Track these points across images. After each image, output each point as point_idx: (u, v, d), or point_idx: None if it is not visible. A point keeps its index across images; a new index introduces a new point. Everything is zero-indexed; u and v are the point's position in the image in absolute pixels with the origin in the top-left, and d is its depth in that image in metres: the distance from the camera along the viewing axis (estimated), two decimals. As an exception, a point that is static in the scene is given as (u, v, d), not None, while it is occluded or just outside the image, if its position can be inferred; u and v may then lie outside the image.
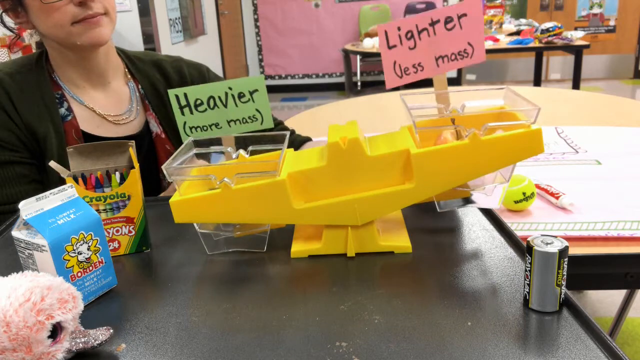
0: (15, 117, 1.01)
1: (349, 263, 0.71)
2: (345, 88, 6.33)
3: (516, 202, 0.95)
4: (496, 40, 4.17)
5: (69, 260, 0.62)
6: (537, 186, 1.02)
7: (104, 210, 0.75)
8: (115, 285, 0.69)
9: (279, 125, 1.28)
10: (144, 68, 1.17)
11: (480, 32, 0.79)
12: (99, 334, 0.54)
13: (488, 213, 0.82)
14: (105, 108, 1.11)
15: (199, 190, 0.73)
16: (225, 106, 0.78)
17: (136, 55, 1.19)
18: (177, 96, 0.78)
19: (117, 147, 0.76)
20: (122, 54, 1.17)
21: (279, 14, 6.52)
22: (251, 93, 0.78)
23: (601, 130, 1.47)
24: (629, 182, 1.07)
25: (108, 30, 1.02)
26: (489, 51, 4.08)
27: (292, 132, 1.24)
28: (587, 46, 3.92)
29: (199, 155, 0.78)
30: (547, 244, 0.56)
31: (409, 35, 0.78)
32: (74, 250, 0.63)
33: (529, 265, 0.56)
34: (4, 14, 1.03)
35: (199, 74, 1.22)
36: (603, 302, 2.15)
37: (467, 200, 0.79)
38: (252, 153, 0.78)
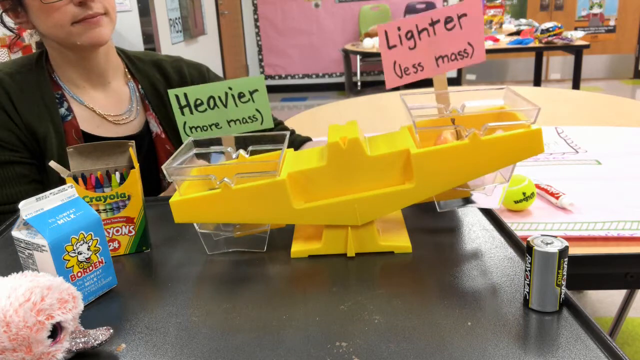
0: (15, 117, 1.01)
1: (349, 263, 0.71)
2: (345, 88, 6.33)
3: (516, 202, 0.95)
4: (496, 40, 4.17)
5: (69, 260, 0.62)
6: (537, 186, 1.02)
7: (104, 210, 0.75)
8: (115, 285, 0.69)
9: (278, 125, 1.28)
10: (144, 68, 1.17)
11: (480, 32, 0.79)
12: (99, 334, 0.54)
13: (488, 213, 0.82)
14: (105, 108, 1.11)
15: (199, 190, 0.73)
16: (225, 106, 0.78)
17: (136, 55, 1.19)
18: (177, 96, 0.78)
19: (117, 147, 0.76)
20: (122, 54, 1.17)
21: (279, 14, 6.52)
22: (251, 93, 0.78)
23: (601, 130, 1.47)
24: (629, 182, 1.07)
25: (108, 30, 1.02)
26: (489, 51, 4.08)
27: (292, 132, 1.24)
28: (587, 46, 3.92)
29: (199, 155, 0.78)
30: (547, 244, 0.56)
31: (409, 35, 0.78)
32: (74, 250, 0.63)
33: (529, 265, 0.56)
34: (4, 14, 1.03)
35: (199, 74, 1.22)
36: (603, 302, 2.15)
37: (467, 200, 0.79)
38: (252, 153, 0.78)
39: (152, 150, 1.15)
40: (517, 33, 4.40)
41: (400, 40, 0.79)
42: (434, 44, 0.79)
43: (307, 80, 6.77)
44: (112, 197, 0.75)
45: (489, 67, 6.45)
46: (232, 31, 6.25)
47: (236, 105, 0.78)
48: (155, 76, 1.17)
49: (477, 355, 0.51)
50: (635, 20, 6.11)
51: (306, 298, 0.63)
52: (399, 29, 0.79)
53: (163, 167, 0.69)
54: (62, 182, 0.73)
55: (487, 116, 0.77)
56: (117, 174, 0.76)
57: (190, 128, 0.79)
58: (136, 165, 0.76)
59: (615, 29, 6.09)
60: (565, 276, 0.56)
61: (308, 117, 1.95)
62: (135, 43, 4.08)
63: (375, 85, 6.44)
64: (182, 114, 0.78)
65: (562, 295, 0.57)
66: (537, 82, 4.64)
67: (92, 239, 0.65)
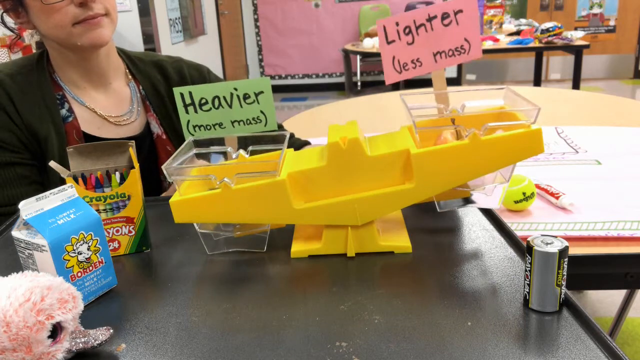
0: (16, 118, 1.01)
1: (349, 263, 0.71)
2: (345, 88, 6.32)
3: (516, 202, 0.95)
4: (496, 40, 4.17)
5: (69, 260, 0.62)
6: (537, 186, 1.02)
7: (104, 210, 0.75)
8: (115, 285, 0.69)
9: (279, 128, 1.28)
10: (145, 69, 1.17)
11: (476, 28, 0.80)
12: (99, 334, 0.54)
13: (488, 213, 0.82)
14: (106, 109, 1.11)
15: (199, 190, 0.73)
16: (230, 106, 0.78)
17: (137, 56, 1.18)
18: (182, 94, 0.78)
19: (117, 147, 0.76)
20: (123, 54, 1.17)
21: (279, 14, 6.52)
22: (256, 94, 0.78)
23: (601, 130, 1.47)
24: (629, 182, 1.07)
25: (109, 31, 1.02)
26: (489, 51, 4.08)
27: (292, 135, 1.24)
28: (587, 46, 3.92)
29: (199, 156, 0.78)
30: (547, 244, 0.56)
31: (407, 30, 0.79)
32: (74, 250, 0.63)
33: (529, 265, 0.56)
34: (4, 14, 1.03)
35: (200, 75, 1.22)
36: (603, 302, 2.15)
37: (467, 200, 0.79)
38: (252, 153, 0.78)
39: (153, 152, 1.15)
40: (517, 33, 4.40)
41: (398, 35, 0.79)
42: (431, 39, 0.80)
43: (307, 80, 6.77)
44: (112, 197, 0.75)
45: (489, 67, 6.45)
46: (232, 31, 6.25)
47: (241, 106, 0.78)
48: (156, 77, 1.17)
49: (477, 355, 0.51)
50: (635, 20, 6.11)
51: (306, 298, 0.63)
52: (397, 24, 0.79)
53: (163, 167, 0.69)
54: (62, 182, 0.73)
55: (487, 116, 0.77)
56: (117, 174, 0.76)
57: (194, 127, 0.79)
58: (136, 165, 0.76)
59: (615, 29, 6.10)
60: (565, 276, 0.56)
61: (308, 117, 1.95)
62: (135, 43, 4.08)
63: (375, 85, 6.44)
64: (187, 112, 0.78)
65: (562, 295, 0.57)
66: (537, 82, 4.64)
67: (92, 239, 0.65)
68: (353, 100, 2.20)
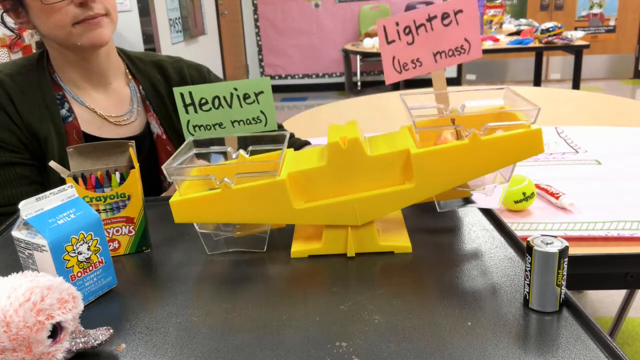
0: (16, 119, 1.01)
1: (349, 263, 0.71)
2: (345, 88, 6.32)
3: (516, 202, 0.95)
4: (496, 40, 4.17)
5: (69, 260, 0.62)
6: (537, 186, 1.02)
7: (104, 210, 0.75)
8: (115, 285, 0.69)
9: (279, 127, 1.28)
10: (145, 69, 1.17)
11: (476, 28, 0.80)
12: (99, 334, 0.54)
13: (488, 213, 0.82)
14: (106, 109, 1.11)
15: (199, 190, 0.73)
16: (230, 106, 0.78)
17: (137, 56, 1.18)
18: (182, 94, 0.78)
19: (117, 147, 0.76)
20: (123, 54, 1.16)
21: (279, 14, 6.52)
22: (256, 95, 0.78)
23: (601, 130, 1.47)
24: (629, 182, 1.07)
25: (109, 31, 1.02)
26: (489, 51, 4.08)
27: (291, 135, 1.24)
28: (587, 46, 3.92)
29: (199, 155, 0.78)
30: (547, 244, 0.56)
31: (407, 30, 0.79)
32: (74, 250, 0.63)
33: (529, 265, 0.56)
34: (4, 14, 1.03)
35: (200, 75, 1.22)
36: (603, 302, 2.15)
37: (467, 200, 0.79)
38: (252, 153, 0.78)
39: (153, 152, 1.15)
40: (517, 33, 4.40)
41: (398, 35, 0.79)
42: (431, 39, 0.80)
43: (307, 80, 6.77)
44: (112, 197, 0.75)
45: (489, 67, 6.45)
46: (232, 31, 6.25)
47: (241, 106, 0.78)
48: (156, 77, 1.17)
49: (477, 355, 0.51)
50: (635, 20, 6.11)
51: (306, 298, 0.63)
52: (397, 24, 0.79)
53: (163, 167, 0.69)
54: (62, 182, 0.73)
55: (487, 116, 0.77)
56: (117, 174, 0.76)
57: (194, 127, 0.79)
58: (136, 165, 0.76)
59: (615, 29, 6.10)
60: (565, 276, 0.56)
61: (308, 117, 1.95)
62: (135, 43, 4.08)
63: (375, 85, 6.44)
64: (187, 112, 0.78)
65: (562, 295, 0.57)
66: (537, 82, 4.64)
67: (92, 239, 0.65)
68: (353, 100, 2.20)
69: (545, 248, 0.55)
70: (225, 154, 0.78)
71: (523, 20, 4.86)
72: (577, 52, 3.96)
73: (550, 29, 3.95)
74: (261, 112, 0.78)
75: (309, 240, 0.75)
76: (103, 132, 1.09)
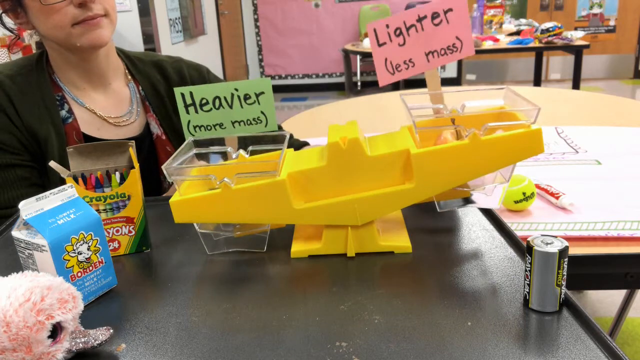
0: (16, 120, 1.01)
1: (349, 263, 0.71)
2: (345, 88, 6.33)
3: (516, 202, 0.95)
4: (496, 40, 4.17)
5: (69, 260, 0.62)
6: (537, 186, 1.02)
7: (104, 210, 0.75)
8: (115, 285, 0.69)
9: (278, 128, 1.28)
10: (145, 69, 1.17)
11: (467, 26, 0.80)
12: (99, 334, 0.54)
13: (488, 213, 0.82)
14: (105, 110, 1.11)
15: (199, 190, 0.73)
16: (231, 107, 0.78)
17: (136, 56, 1.18)
18: (182, 94, 0.78)
19: (117, 147, 0.77)
20: (122, 54, 1.16)
21: (279, 14, 6.52)
22: (257, 95, 0.78)
23: (601, 130, 1.47)
24: (629, 182, 1.07)
25: (108, 32, 1.02)
26: (489, 51, 4.08)
27: (291, 136, 1.24)
28: (587, 46, 3.92)
29: (199, 156, 0.78)
30: (547, 244, 0.56)
31: (398, 32, 0.79)
32: (74, 250, 0.63)
33: (529, 265, 0.56)
34: (3, 14, 1.03)
35: (199, 75, 1.22)
36: (603, 302, 2.15)
37: (467, 200, 0.79)
38: (252, 153, 0.78)
39: (152, 152, 1.15)
40: (517, 33, 4.40)
41: (389, 37, 0.79)
42: (422, 39, 0.80)
43: (307, 80, 6.77)
44: (112, 197, 0.75)
45: (489, 67, 6.45)
46: (232, 31, 6.25)
47: (241, 107, 0.78)
48: (156, 77, 1.17)
49: (477, 355, 0.51)
50: (635, 20, 6.11)
51: (306, 298, 0.63)
52: (387, 26, 0.79)
53: (163, 167, 0.69)
54: (62, 183, 0.73)
55: (487, 116, 0.77)
56: (117, 174, 0.76)
57: (195, 127, 0.79)
58: (136, 165, 0.76)
59: (615, 29, 6.10)
60: (565, 276, 0.56)
61: (308, 117, 1.95)
62: (135, 43, 4.08)
63: (375, 85, 6.44)
64: (187, 112, 0.78)
65: (562, 295, 0.57)
66: (537, 82, 4.65)
67: (92, 239, 0.65)
68: (353, 100, 2.20)
69: (545, 248, 0.55)
70: (225, 154, 0.78)
71: (523, 20, 4.86)
72: (577, 52, 3.96)
73: (550, 29, 3.95)
74: (262, 112, 0.78)
75: (309, 240, 0.75)
76: (103, 133, 1.09)
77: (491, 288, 0.62)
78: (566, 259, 0.55)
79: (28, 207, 0.61)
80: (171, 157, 0.71)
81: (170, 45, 4.50)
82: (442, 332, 0.55)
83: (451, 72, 6.29)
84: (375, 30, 0.79)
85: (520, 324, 0.55)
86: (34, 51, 2.73)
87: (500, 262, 0.68)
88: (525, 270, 0.57)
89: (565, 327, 0.54)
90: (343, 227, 0.72)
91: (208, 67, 1.26)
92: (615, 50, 6.27)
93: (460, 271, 0.67)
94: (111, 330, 0.54)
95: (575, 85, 4.03)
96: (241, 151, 0.78)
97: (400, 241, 0.73)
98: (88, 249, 0.65)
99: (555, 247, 0.55)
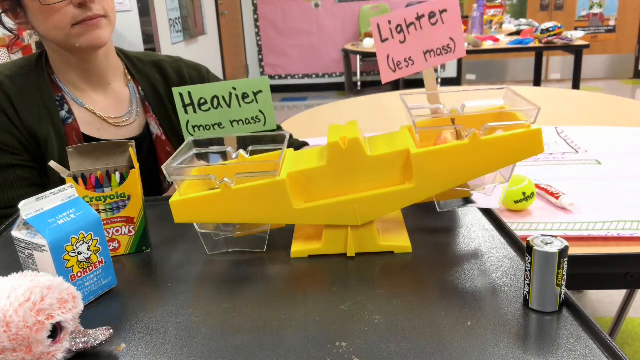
0: (16, 121, 1.01)
1: (349, 263, 0.71)
2: (345, 88, 6.33)
3: (516, 202, 0.95)
4: (496, 40, 4.17)
5: (69, 260, 0.62)
6: (537, 186, 1.02)
7: (104, 210, 0.75)
8: (115, 285, 0.69)
9: (277, 129, 1.28)
10: (144, 69, 1.17)
11: (459, 27, 0.81)
12: (99, 334, 0.54)
13: (488, 213, 0.82)
14: (105, 110, 1.11)
15: (199, 190, 0.73)
16: (229, 106, 0.78)
17: (136, 56, 1.18)
18: (181, 94, 0.78)
19: (117, 147, 0.77)
20: (122, 54, 1.16)
21: (279, 14, 6.52)
22: (255, 94, 0.78)
23: (601, 130, 1.47)
24: (629, 182, 1.07)
25: (107, 32, 1.02)
26: (489, 51, 4.08)
27: (290, 136, 1.24)
28: (587, 46, 3.92)
29: (199, 156, 0.78)
30: (547, 244, 0.56)
31: (399, 29, 0.79)
32: (74, 250, 0.63)
33: (529, 265, 0.56)
34: (3, 14, 1.03)
35: (199, 75, 1.22)
36: (603, 302, 2.15)
37: (467, 200, 0.79)
38: (252, 153, 0.78)
39: (152, 153, 1.15)
40: (517, 33, 4.40)
41: (391, 33, 0.80)
42: (421, 38, 0.80)
43: (307, 80, 6.77)
44: (112, 197, 0.75)
45: (489, 67, 6.45)
46: (232, 31, 6.25)
47: (240, 106, 0.78)
48: (155, 77, 1.17)
49: (477, 355, 0.51)
50: (635, 20, 6.11)
51: (306, 298, 0.63)
52: (389, 22, 0.80)
53: (163, 167, 0.69)
54: (62, 183, 0.73)
55: (487, 116, 0.77)
56: (117, 174, 0.76)
57: (193, 127, 0.79)
58: (136, 165, 0.76)
59: (615, 29, 6.10)
60: (565, 276, 0.56)
61: (308, 117, 1.95)
62: (135, 43, 4.08)
63: (375, 85, 6.44)
64: (186, 112, 0.78)
65: (562, 295, 0.57)
66: (537, 82, 4.65)
67: (92, 239, 0.65)
68: (353, 100, 2.20)
69: (545, 248, 0.55)
70: (225, 154, 0.78)
71: (523, 20, 4.86)
72: (577, 52, 3.96)
73: (550, 29, 3.95)
74: (260, 111, 0.78)
75: (309, 240, 0.75)
76: (103, 134, 1.09)
77: (491, 288, 0.62)
78: (566, 259, 0.55)
79: (28, 207, 0.61)
80: (171, 157, 0.71)
81: (170, 45, 4.50)
82: (442, 332, 0.55)
83: (451, 72, 6.29)
84: (378, 25, 0.80)
85: (520, 324, 0.55)
86: (33, 51, 2.73)
87: (500, 262, 0.68)
88: (525, 270, 0.57)
89: (565, 327, 0.54)
90: (343, 227, 0.72)
91: (208, 67, 1.26)
92: (615, 50, 6.27)
93: (460, 271, 0.67)
94: (111, 330, 0.54)
95: (575, 85, 4.03)
96: (241, 151, 0.78)
97: (400, 241, 0.73)
98: (88, 249, 0.65)
99: (555, 247, 0.55)
